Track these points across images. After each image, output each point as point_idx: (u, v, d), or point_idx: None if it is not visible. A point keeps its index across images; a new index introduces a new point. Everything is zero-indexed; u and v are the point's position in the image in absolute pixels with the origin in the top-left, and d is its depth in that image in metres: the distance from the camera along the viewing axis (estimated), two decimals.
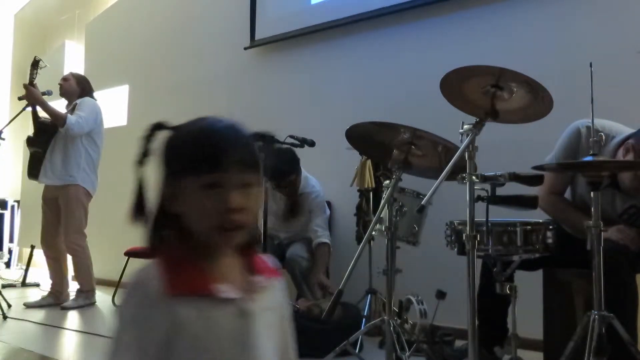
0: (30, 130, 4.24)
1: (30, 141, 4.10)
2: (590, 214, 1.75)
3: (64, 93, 4.15)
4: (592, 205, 1.72)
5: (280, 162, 3.17)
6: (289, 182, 3.29)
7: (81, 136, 4.00)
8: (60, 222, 4.08)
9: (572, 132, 2.13)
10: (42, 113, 4.05)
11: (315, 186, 3.40)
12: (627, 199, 2.06)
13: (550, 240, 1.91)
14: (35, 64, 3.97)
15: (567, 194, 2.29)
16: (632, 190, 2.01)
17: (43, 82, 4.06)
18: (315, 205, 3.33)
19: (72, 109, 4.07)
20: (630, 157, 1.94)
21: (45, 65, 4.03)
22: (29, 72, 3.96)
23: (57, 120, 3.89)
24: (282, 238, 3.48)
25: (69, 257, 4.18)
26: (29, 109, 4.18)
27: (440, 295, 2.47)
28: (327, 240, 3.26)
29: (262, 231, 2.75)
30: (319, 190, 3.40)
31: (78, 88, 4.16)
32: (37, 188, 4.42)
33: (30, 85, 3.89)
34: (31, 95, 3.89)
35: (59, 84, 4.12)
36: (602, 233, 1.81)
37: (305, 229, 3.33)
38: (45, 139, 4.05)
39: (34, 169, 4.10)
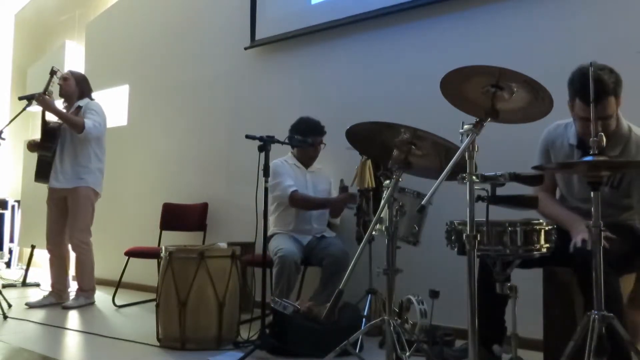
0: (30, 131, 4.24)
1: (37, 146, 4.10)
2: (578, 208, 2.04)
3: (63, 94, 4.14)
4: (592, 204, 1.73)
5: (318, 125, 3.52)
6: (319, 143, 3.53)
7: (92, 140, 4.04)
8: (67, 220, 4.10)
9: (543, 135, 2.40)
10: (49, 116, 4.06)
11: None
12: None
13: (550, 240, 1.91)
14: (53, 74, 4.04)
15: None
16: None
17: (43, 82, 4.06)
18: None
19: (75, 112, 4.08)
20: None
21: (62, 74, 4.12)
22: (46, 81, 4.00)
23: (75, 127, 3.93)
24: (315, 231, 3.51)
25: (72, 256, 4.19)
26: (31, 109, 4.18)
27: (434, 294, 2.48)
28: None
29: (263, 231, 2.75)
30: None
31: (77, 89, 4.17)
32: (38, 188, 4.43)
33: (44, 95, 3.93)
34: (46, 106, 3.93)
35: (59, 84, 4.12)
36: (581, 234, 1.98)
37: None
38: (53, 143, 4.07)
39: (43, 172, 4.10)
